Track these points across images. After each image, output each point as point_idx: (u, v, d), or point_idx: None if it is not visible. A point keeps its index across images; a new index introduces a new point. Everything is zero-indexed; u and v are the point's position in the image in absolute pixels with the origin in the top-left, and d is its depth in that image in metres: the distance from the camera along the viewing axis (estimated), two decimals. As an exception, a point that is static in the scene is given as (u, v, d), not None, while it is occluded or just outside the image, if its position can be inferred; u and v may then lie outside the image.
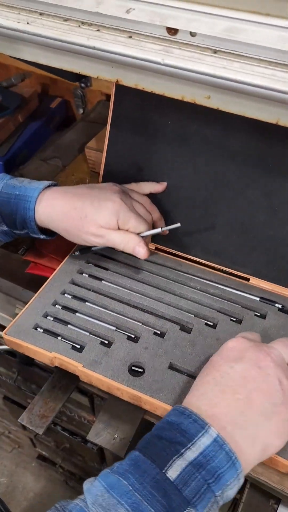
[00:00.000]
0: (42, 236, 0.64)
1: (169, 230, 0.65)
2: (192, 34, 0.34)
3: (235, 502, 0.99)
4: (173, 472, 0.38)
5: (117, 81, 0.41)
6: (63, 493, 1.54)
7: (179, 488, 0.37)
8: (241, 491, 0.98)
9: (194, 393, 0.46)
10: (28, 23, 0.40)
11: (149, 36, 0.35)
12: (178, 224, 0.63)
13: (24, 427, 1.27)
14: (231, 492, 0.40)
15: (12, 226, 0.64)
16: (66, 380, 0.92)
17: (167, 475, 0.38)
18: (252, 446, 0.42)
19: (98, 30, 0.36)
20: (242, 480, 0.40)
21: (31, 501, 1.56)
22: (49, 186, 0.62)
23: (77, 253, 0.70)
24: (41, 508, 1.54)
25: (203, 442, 0.40)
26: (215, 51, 0.34)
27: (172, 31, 0.35)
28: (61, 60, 0.43)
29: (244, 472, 0.41)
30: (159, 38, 0.35)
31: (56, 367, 0.61)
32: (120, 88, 0.67)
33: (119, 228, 0.60)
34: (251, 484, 0.98)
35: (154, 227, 0.69)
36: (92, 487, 0.39)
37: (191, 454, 0.39)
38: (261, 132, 0.60)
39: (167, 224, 0.69)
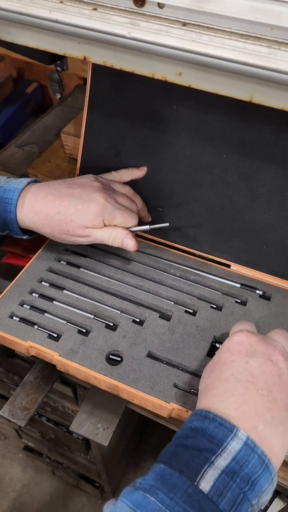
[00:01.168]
0: (25, 237, 0.62)
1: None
2: (160, 6, 0.33)
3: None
4: (206, 483, 0.35)
5: (85, 58, 0.40)
6: (50, 483, 1.54)
7: (214, 501, 0.34)
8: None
9: (214, 392, 0.42)
10: (-12, -4, 0.38)
11: (115, 8, 0.34)
12: (167, 224, 0.62)
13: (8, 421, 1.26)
14: (266, 498, 0.37)
15: None
16: (48, 370, 0.91)
17: (200, 487, 0.35)
18: (282, 444, 0.40)
19: (61, 2, 0.34)
20: (275, 484, 0.37)
21: (19, 492, 1.56)
22: (28, 184, 0.60)
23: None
24: (29, 499, 1.54)
25: (233, 446, 0.37)
26: (184, 24, 0.33)
27: (139, 2, 0.33)
28: (25, 36, 0.41)
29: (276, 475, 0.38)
30: (126, 11, 0.34)
31: (37, 357, 0.60)
32: (97, 70, 0.65)
33: (105, 226, 0.59)
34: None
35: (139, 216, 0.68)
36: (116, 508, 0.35)
37: (222, 461, 0.36)
38: (240, 114, 0.59)
39: (153, 218, 0.69)
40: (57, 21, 0.35)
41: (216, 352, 0.47)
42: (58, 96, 1.01)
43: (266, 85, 0.34)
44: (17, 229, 0.60)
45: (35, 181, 0.62)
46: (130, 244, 0.59)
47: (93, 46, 0.38)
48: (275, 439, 0.39)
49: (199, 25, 0.32)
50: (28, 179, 0.61)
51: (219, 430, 0.38)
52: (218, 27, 0.32)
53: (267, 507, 0.95)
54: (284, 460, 0.82)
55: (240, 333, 0.46)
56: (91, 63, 0.64)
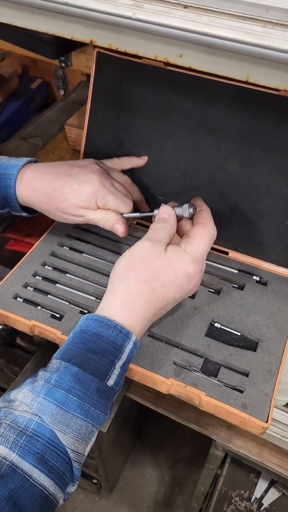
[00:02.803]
0: (24, 214, 0.64)
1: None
2: (163, -11, 0.35)
3: (216, 477, 1.02)
4: (111, 380, 0.46)
5: (91, 41, 0.42)
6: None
7: (114, 389, 0.47)
8: (221, 465, 1.00)
9: (133, 306, 0.49)
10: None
11: (121, -9, 0.36)
12: (155, 212, 0.60)
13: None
14: None
15: None
16: (48, 360, 0.92)
17: (107, 384, 0.46)
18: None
19: (70, -14, 0.37)
20: None
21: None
22: (28, 162, 0.62)
23: None
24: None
25: (128, 348, 0.48)
26: (185, 6, 0.35)
27: (144, -14, 0.35)
28: (35, 21, 0.43)
29: None
30: (131, -6, 0.36)
31: (39, 347, 0.62)
32: (101, 61, 0.67)
33: (99, 208, 0.60)
34: (231, 459, 1.01)
35: (134, 207, 0.70)
36: (43, 406, 0.43)
37: (121, 361, 0.48)
38: (240, 105, 0.61)
39: (153, 206, 0.68)
40: (66, 4, 0.37)
41: (168, 251, 0.51)
42: (62, 92, 1.03)
43: (261, 65, 0.36)
44: (16, 205, 0.62)
45: (36, 161, 0.64)
46: (119, 229, 0.61)
47: (99, 29, 0.40)
48: (142, 333, 0.52)
49: (199, 7, 0.35)
50: (29, 158, 0.63)
51: (119, 337, 0.48)
52: (217, 9, 0.34)
53: (262, 496, 0.97)
54: (279, 447, 0.83)
55: (196, 267, 0.51)
56: (95, 55, 0.66)
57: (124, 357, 0.48)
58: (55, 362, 0.47)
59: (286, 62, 0.33)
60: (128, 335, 0.48)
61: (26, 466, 0.41)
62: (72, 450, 0.43)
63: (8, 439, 0.41)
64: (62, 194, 0.59)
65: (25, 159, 0.62)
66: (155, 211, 0.59)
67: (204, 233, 0.54)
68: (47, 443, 0.42)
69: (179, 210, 0.57)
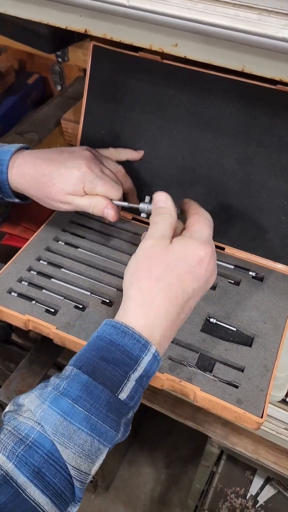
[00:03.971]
0: (17, 200, 0.64)
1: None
2: (158, -23, 0.35)
3: (211, 474, 1.01)
4: (124, 394, 0.42)
5: (86, 31, 0.41)
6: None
7: (127, 404, 0.42)
8: (217, 462, 1.00)
9: (152, 308, 0.45)
10: None
11: (115, -21, 0.35)
12: (143, 204, 0.59)
13: (2, 407, 1.26)
14: None
15: None
16: (44, 356, 0.92)
17: (119, 397, 0.42)
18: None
19: (64, -27, 0.36)
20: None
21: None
22: (21, 148, 0.62)
23: None
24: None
25: (145, 360, 0.44)
26: (180, -6, 0.35)
27: (138, -26, 0.35)
28: (29, 9, 0.42)
29: None
30: (125, -18, 0.35)
31: (34, 343, 0.61)
32: (97, 55, 0.67)
33: (86, 194, 0.59)
34: (227, 456, 1.01)
35: (125, 199, 0.69)
36: (46, 415, 0.40)
37: (137, 374, 0.43)
38: (236, 100, 0.61)
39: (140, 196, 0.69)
40: (59, -9, 0.36)
41: (174, 244, 0.48)
42: (59, 88, 1.03)
43: (257, 54, 0.36)
44: (8, 191, 0.62)
45: (28, 148, 0.64)
46: (110, 213, 0.59)
47: (94, 18, 0.40)
48: (169, 339, 0.47)
49: (194, -5, 0.34)
50: (21, 144, 0.63)
51: (136, 347, 0.43)
52: (212, -3, 0.34)
53: (258, 494, 0.97)
54: (275, 444, 0.83)
55: (207, 249, 0.48)
56: (91, 48, 0.66)
57: (140, 369, 0.43)
58: (67, 368, 0.44)
59: (281, 51, 0.33)
60: (147, 345, 0.43)
61: (21, 479, 0.37)
62: (73, 467, 0.39)
63: (6, 446, 0.39)
64: (50, 179, 0.58)
65: (17, 145, 0.62)
66: (146, 199, 0.56)
67: (202, 219, 0.51)
68: (46, 455, 0.39)
69: None
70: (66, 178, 0.58)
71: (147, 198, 0.57)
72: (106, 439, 0.41)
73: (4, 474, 0.37)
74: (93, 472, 0.41)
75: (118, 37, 0.41)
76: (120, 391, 0.42)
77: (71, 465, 0.39)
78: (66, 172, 0.58)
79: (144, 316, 0.45)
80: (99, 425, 0.40)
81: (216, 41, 0.36)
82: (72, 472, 0.39)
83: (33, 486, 0.37)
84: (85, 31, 0.41)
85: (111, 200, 0.60)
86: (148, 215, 0.55)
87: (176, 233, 0.51)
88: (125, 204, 0.61)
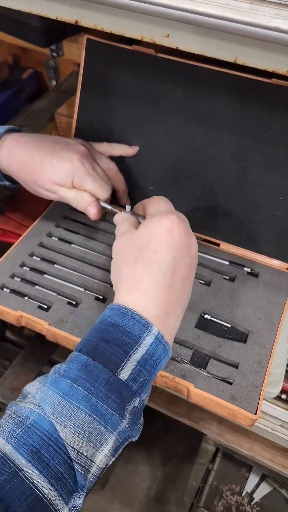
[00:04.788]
0: (7, 183, 0.63)
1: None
2: None
3: (207, 471, 1.01)
4: (124, 374, 0.41)
5: (76, 21, 0.41)
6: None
7: (129, 386, 0.41)
8: (212, 460, 1.00)
9: (139, 286, 0.46)
10: None
11: None
12: (127, 208, 0.58)
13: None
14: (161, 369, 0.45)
15: None
16: (38, 353, 0.91)
17: (120, 377, 0.41)
18: (177, 327, 0.48)
19: None
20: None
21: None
22: (11, 130, 0.61)
23: None
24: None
25: (147, 341, 0.43)
26: (171, -17, 0.34)
27: None
28: (19, 0, 0.42)
29: None
30: None
31: (29, 340, 0.61)
32: (91, 48, 0.66)
33: (74, 188, 0.59)
34: (223, 453, 1.00)
35: (116, 198, 0.69)
36: (46, 396, 0.40)
37: (138, 354, 0.42)
38: (232, 94, 0.60)
39: (143, 197, 0.67)
40: (48, -20, 0.36)
41: (140, 228, 0.49)
42: (54, 83, 1.02)
43: (249, 45, 0.35)
44: None
45: (19, 130, 0.63)
46: (92, 211, 0.59)
47: (84, 9, 0.39)
48: (174, 327, 0.47)
49: (185, -16, 0.34)
50: (11, 126, 0.62)
51: (136, 327, 0.43)
52: (203, -14, 0.33)
53: (253, 491, 0.96)
54: (270, 442, 0.83)
55: (171, 217, 0.48)
56: (85, 42, 0.65)
57: (142, 350, 0.42)
58: (71, 354, 0.44)
59: (273, 41, 0.32)
60: (147, 326, 0.43)
61: (19, 459, 0.37)
62: (72, 447, 0.38)
63: (5, 429, 0.38)
64: (40, 166, 0.57)
65: (6, 127, 0.61)
66: (127, 208, 0.57)
67: (154, 200, 0.54)
68: (45, 436, 0.38)
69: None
70: (57, 169, 0.57)
71: (128, 208, 0.57)
72: (108, 422, 0.39)
73: (2, 455, 0.37)
74: (98, 461, 0.39)
75: (109, 28, 0.40)
76: (120, 371, 0.41)
77: (70, 446, 0.38)
78: (57, 163, 0.57)
79: (134, 296, 0.45)
80: (100, 406, 0.39)
81: (208, 32, 0.35)
82: (72, 453, 0.38)
83: (31, 466, 0.36)
84: (76, 21, 0.41)
85: (96, 199, 0.59)
86: None
87: None
88: (109, 207, 0.60)
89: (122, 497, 1.55)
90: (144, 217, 0.55)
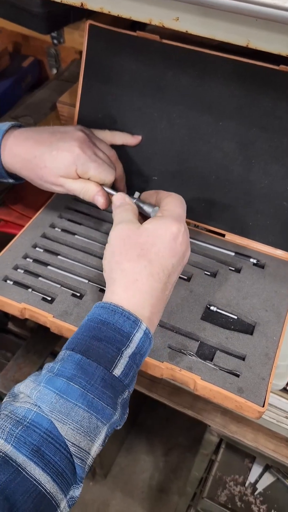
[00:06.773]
0: (11, 180, 0.62)
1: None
2: None
3: (210, 462, 1.01)
4: (118, 370, 0.43)
5: (82, 4, 0.39)
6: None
7: (121, 380, 0.43)
8: (216, 451, 1.00)
9: (136, 286, 0.46)
10: None
11: None
12: (136, 194, 0.58)
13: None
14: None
15: None
16: (41, 345, 0.91)
17: (113, 373, 0.42)
18: (160, 317, 0.50)
19: None
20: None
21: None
22: (13, 127, 0.60)
23: None
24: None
25: (137, 337, 0.45)
26: None
27: None
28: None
29: None
30: None
31: (31, 332, 0.60)
32: (93, 35, 0.64)
33: (79, 177, 0.58)
34: (226, 444, 1.00)
35: (113, 185, 0.67)
36: (42, 395, 0.40)
37: (129, 350, 0.44)
38: (237, 82, 0.59)
39: (148, 187, 0.68)
40: None
41: (146, 224, 0.49)
42: (55, 71, 1.00)
43: (262, 28, 0.34)
44: (2, 171, 0.60)
45: (20, 126, 0.61)
46: (100, 200, 0.58)
47: (90, -9, 0.38)
48: (155, 325, 0.48)
49: None
50: (13, 123, 0.61)
51: (127, 324, 0.44)
52: None
53: (257, 481, 0.97)
54: (274, 432, 0.83)
55: (180, 226, 0.49)
56: (87, 28, 0.63)
57: (132, 345, 0.44)
58: (61, 352, 0.44)
59: (289, 23, 0.31)
60: (137, 322, 0.45)
61: (20, 458, 0.37)
62: (72, 443, 0.39)
63: (4, 429, 0.38)
64: (41, 161, 0.56)
65: (8, 123, 0.60)
66: (135, 194, 0.56)
67: (173, 200, 0.53)
68: (45, 434, 0.38)
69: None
70: (58, 161, 0.56)
71: (136, 194, 0.57)
72: (104, 416, 0.41)
73: (3, 455, 0.37)
74: (93, 452, 0.41)
75: (116, 11, 0.39)
76: (114, 367, 0.42)
77: (70, 442, 0.39)
78: (57, 154, 0.56)
79: (131, 295, 0.46)
80: (96, 402, 0.40)
81: (219, 14, 0.34)
82: (72, 449, 0.39)
83: (33, 464, 0.37)
84: (81, 4, 0.39)
85: (102, 187, 0.58)
86: None
87: None
88: (115, 193, 0.59)
89: (124, 486, 1.56)
90: (152, 206, 0.54)
